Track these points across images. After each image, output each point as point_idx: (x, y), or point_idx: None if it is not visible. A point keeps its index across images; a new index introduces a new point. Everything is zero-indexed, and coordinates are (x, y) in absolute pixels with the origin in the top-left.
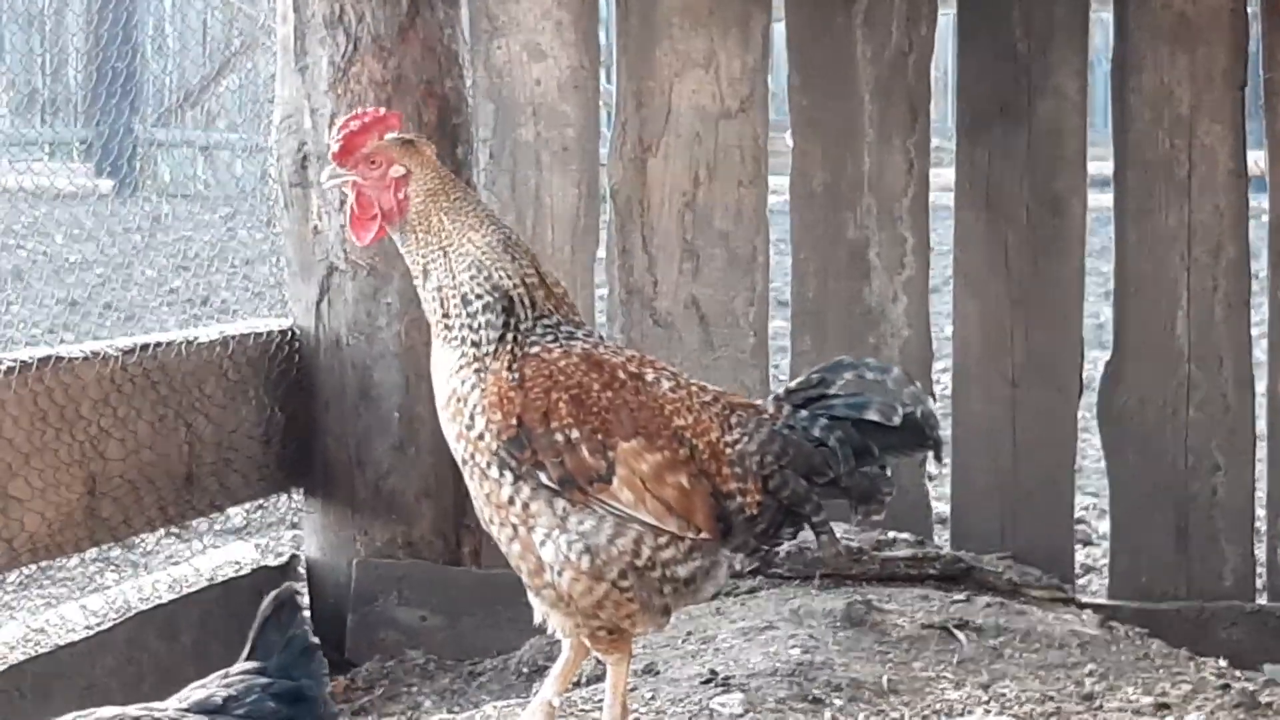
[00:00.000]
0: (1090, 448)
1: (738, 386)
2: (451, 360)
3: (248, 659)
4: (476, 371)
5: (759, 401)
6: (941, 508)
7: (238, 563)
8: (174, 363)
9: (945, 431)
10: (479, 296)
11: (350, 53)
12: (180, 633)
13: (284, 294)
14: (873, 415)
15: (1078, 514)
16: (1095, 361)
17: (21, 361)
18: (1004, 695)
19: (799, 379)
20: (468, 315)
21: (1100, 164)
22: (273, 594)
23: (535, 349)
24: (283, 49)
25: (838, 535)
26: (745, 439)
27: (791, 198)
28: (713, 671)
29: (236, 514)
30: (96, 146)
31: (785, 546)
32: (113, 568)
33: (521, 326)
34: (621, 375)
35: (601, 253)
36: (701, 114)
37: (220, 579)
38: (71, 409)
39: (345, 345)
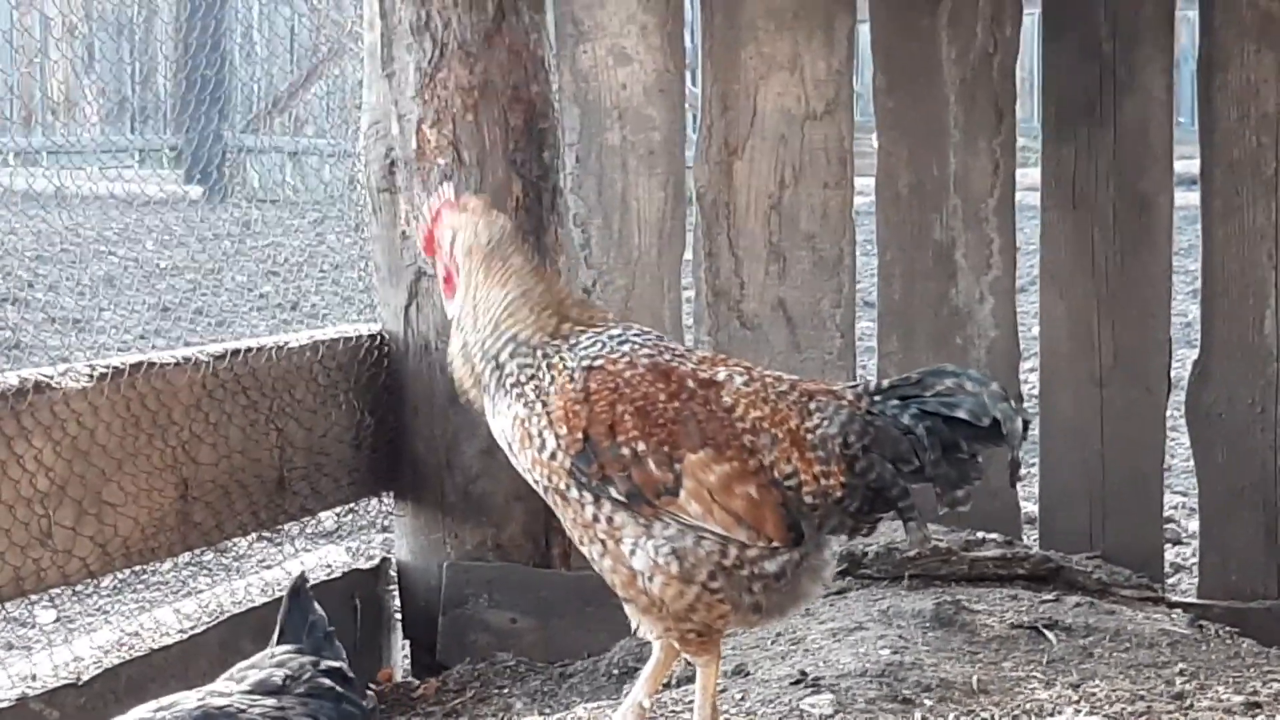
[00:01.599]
0: (1179, 446)
1: None
2: (498, 405)
3: (278, 642)
4: (527, 405)
5: (837, 386)
6: (1030, 508)
7: (329, 566)
8: (264, 368)
9: (1034, 433)
10: (496, 355)
11: (437, 58)
12: (272, 636)
13: (373, 299)
14: (963, 414)
15: (1167, 513)
16: (1183, 360)
17: (114, 367)
18: (1094, 695)
19: (899, 376)
20: (489, 372)
21: (1187, 162)
22: (290, 580)
23: (599, 361)
24: (370, 55)
25: (928, 531)
26: (825, 422)
27: (877, 199)
28: (803, 672)
29: (328, 517)
30: (186, 153)
31: (874, 547)
32: (205, 572)
33: (557, 356)
34: (690, 384)
35: (688, 255)
36: (787, 116)
37: (312, 582)
38: (164, 414)
39: (434, 349)
